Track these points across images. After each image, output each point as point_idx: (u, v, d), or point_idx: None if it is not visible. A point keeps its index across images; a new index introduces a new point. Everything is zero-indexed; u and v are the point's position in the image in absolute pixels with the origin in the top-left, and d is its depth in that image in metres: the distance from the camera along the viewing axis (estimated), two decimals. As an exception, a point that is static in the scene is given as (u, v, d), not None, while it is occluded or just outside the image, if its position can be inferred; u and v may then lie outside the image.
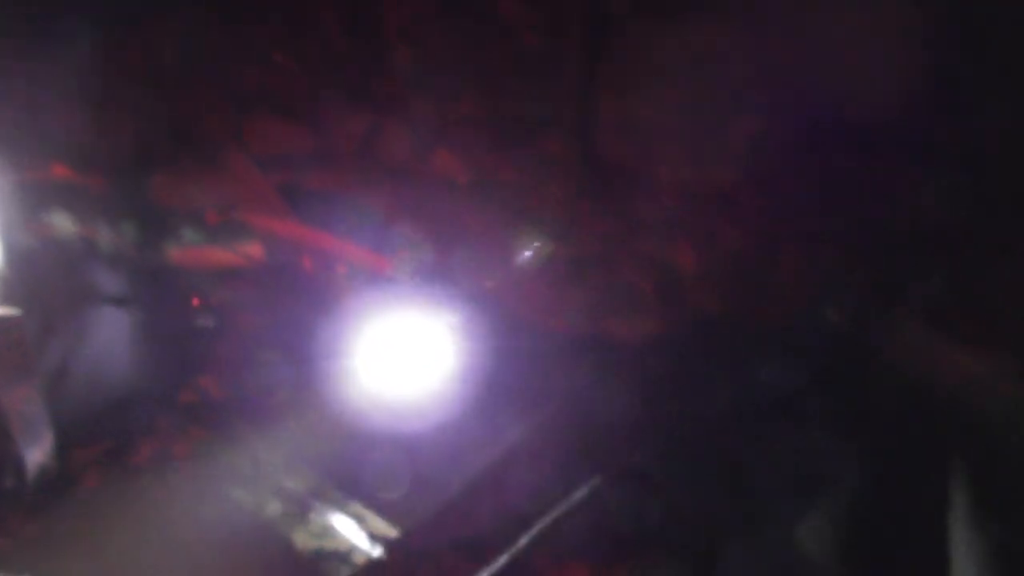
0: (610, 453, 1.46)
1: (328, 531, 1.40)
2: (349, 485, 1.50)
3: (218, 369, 1.74)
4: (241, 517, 1.43)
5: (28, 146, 1.61)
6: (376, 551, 1.37)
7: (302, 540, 1.38)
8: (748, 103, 2.05)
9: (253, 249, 1.87)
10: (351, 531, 1.40)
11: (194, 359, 1.74)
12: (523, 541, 1.34)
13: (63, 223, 1.51)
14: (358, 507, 1.45)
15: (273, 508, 1.45)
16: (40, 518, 1.42)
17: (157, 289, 1.67)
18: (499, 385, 1.64)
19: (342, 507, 1.45)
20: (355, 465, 1.54)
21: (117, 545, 1.40)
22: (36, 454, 1.34)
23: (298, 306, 1.83)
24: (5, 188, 1.46)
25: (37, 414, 1.35)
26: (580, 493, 1.37)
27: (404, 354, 1.68)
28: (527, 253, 2.05)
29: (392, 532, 1.40)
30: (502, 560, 1.31)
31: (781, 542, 1.40)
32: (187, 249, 1.82)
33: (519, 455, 1.50)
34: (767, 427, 1.57)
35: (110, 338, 1.47)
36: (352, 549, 1.37)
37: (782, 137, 2.02)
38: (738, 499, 1.41)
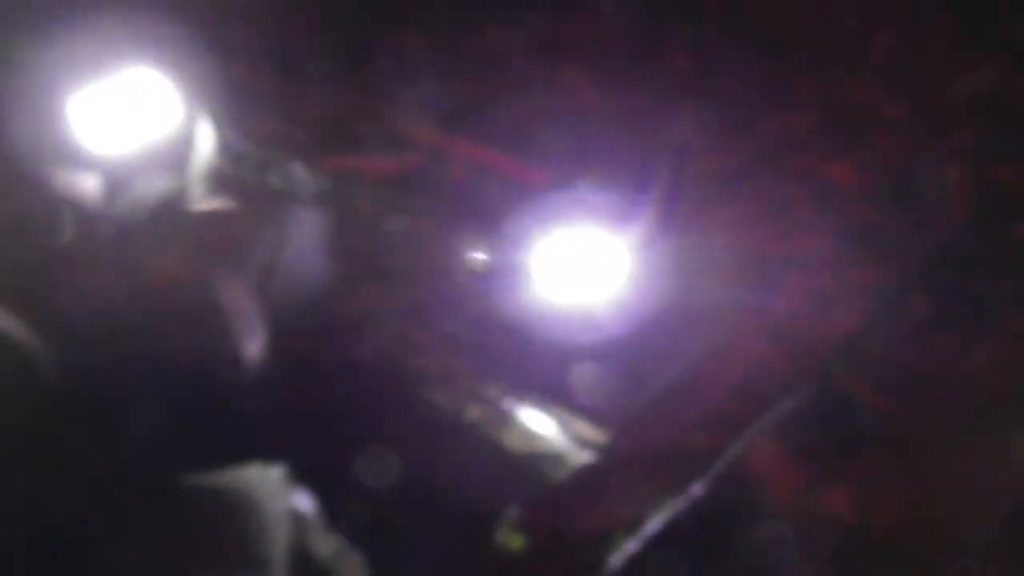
0: (814, 362, 1.46)
1: (535, 435, 1.40)
2: (546, 392, 1.49)
3: (391, 278, 1.73)
4: (445, 419, 1.43)
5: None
6: (587, 454, 1.37)
7: (512, 443, 1.39)
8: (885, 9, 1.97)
9: (412, 159, 1.84)
10: (558, 435, 1.40)
11: (367, 268, 1.73)
12: (733, 448, 1.34)
13: (263, 122, 1.48)
14: (560, 413, 1.45)
15: (475, 412, 1.45)
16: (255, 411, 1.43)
17: (340, 196, 1.65)
18: (683, 294, 1.63)
19: (544, 411, 1.44)
20: (548, 373, 1.53)
21: (325, 444, 1.40)
22: (252, 348, 1.34)
23: (462, 214, 1.80)
24: (209, 82, 1.42)
25: (251, 310, 1.34)
26: (788, 401, 1.37)
27: (579, 263, 1.65)
28: (676, 170, 2.00)
29: (599, 436, 1.40)
30: (715, 466, 1.32)
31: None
32: (354, 158, 1.78)
33: (722, 361, 1.49)
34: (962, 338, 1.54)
35: (307, 239, 1.45)
36: (564, 451, 1.37)
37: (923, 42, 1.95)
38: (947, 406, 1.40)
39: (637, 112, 2.13)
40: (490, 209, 1.78)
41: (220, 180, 1.34)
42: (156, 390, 1.32)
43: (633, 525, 1.30)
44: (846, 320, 1.59)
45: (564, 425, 1.41)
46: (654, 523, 1.23)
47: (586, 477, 1.35)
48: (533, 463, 1.34)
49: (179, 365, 1.34)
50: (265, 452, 1.24)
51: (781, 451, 1.32)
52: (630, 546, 1.23)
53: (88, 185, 1.26)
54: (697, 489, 1.28)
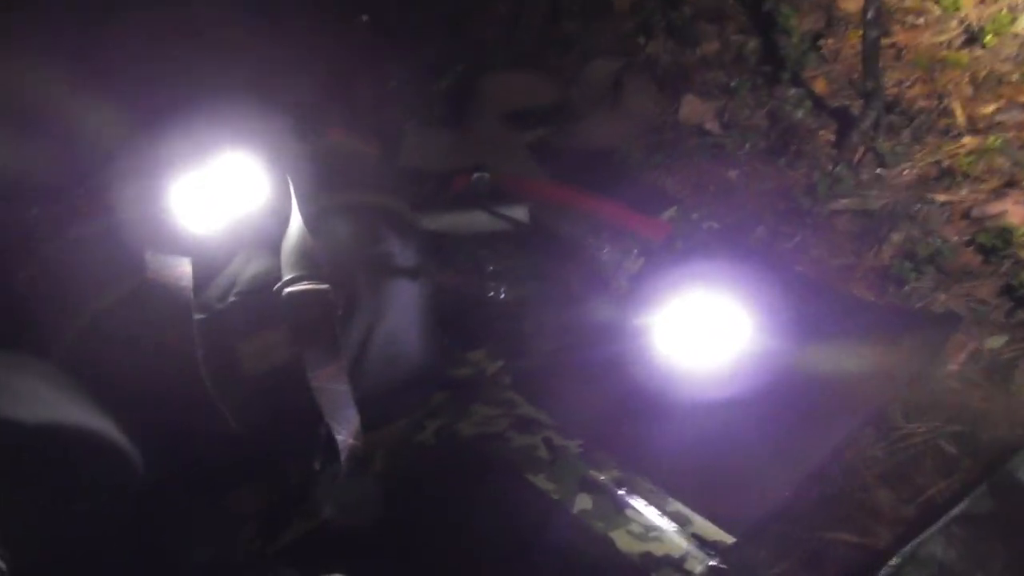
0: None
1: (651, 532, 1.25)
2: (661, 479, 1.34)
3: (493, 343, 1.63)
4: (551, 510, 1.31)
5: (310, 114, 1.55)
6: (711, 560, 1.20)
7: (625, 542, 1.24)
8: None
9: (517, 212, 1.73)
10: (677, 534, 1.24)
11: (468, 333, 1.64)
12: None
13: (353, 192, 1.42)
14: (678, 506, 1.29)
15: (583, 501, 1.31)
16: (342, 502, 1.37)
17: (437, 259, 1.57)
18: (817, 369, 1.43)
19: (660, 505, 1.29)
20: (662, 456, 1.38)
21: (418, 536, 1.31)
22: (344, 435, 1.27)
23: (571, 273, 1.68)
24: (296, 157, 1.38)
25: (344, 394, 1.27)
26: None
27: (695, 326, 1.49)
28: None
29: (725, 538, 1.22)
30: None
31: None
32: (454, 213, 1.71)
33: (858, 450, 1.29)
34: None
35: (403, 313, 1.37)
36: (684, 555, 1.21)
37: None
38: None
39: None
40: (600, 263, 1.65)
41: (312, 258, 1.28)
42: (244, 472, 1.28)
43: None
44: None
45: (685, 523, 1.25)
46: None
47: (709, 589, 1.18)
48: (648, 568, 1.19)
49: (269, 451, 1.30)
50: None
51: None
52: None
53: (183, 269, 1.24)
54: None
